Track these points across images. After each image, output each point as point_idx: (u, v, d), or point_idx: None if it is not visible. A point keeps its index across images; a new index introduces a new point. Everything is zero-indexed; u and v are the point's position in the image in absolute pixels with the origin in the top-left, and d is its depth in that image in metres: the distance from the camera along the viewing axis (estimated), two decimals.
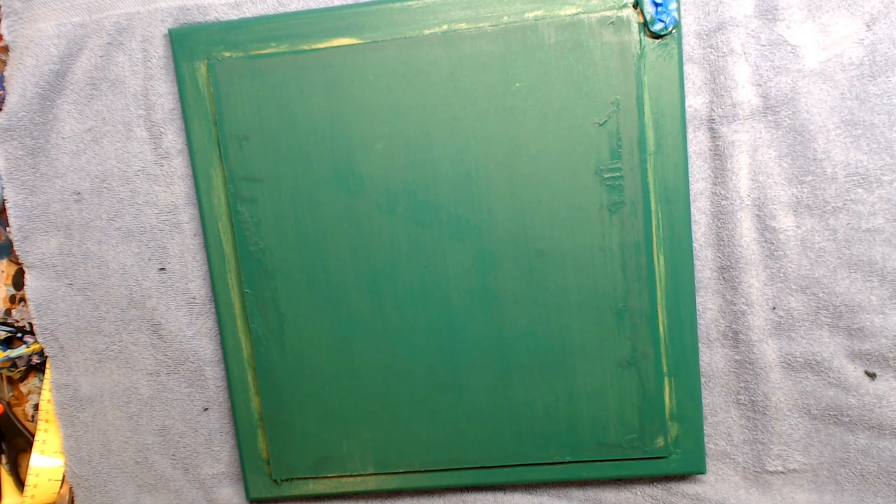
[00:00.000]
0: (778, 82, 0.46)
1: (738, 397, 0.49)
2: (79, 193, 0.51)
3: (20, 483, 0.55)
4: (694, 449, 0.48)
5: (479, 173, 0.47)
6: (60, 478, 0.55)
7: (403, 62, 0.46)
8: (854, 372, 0.47)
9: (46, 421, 0.54)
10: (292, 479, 0.51)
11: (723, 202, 0.47)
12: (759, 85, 0.46)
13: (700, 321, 0.48)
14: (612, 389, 0.48)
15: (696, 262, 0.48)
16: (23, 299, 0.54)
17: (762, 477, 0.49)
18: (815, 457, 0.49)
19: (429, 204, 0.47)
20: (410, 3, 0.46)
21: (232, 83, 0.47)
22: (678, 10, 0.44)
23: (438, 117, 0.46)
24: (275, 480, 0.51)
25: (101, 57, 0.50)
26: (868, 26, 0.45)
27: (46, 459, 0.54)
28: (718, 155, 0.47)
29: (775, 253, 0.47)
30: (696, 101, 0.47)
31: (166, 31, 0.49)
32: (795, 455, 0.49)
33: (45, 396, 0.54)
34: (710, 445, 0.50)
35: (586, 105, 0.45)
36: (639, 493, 0.51)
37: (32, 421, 0.56)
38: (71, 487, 0.55)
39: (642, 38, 0.45)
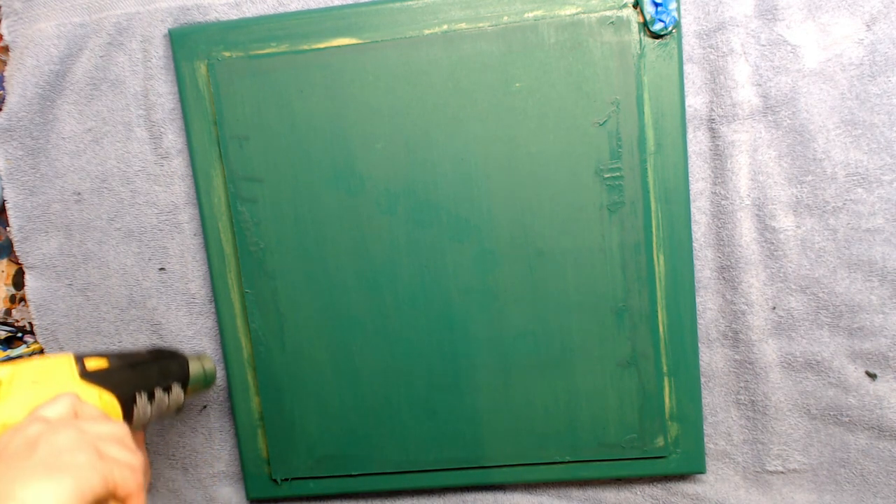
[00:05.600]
0: (778, 82, 0.46)
1: (738, 397, 0.49)
2: (79, 193, 0.51)
3: None
4: (694, 449, 0.48)
5: (479, 173, 0.47)
6: None
7: (403, 62, 0.46)
8: (854, 372, 0.47)
9: None
10: (292, 479, 0.51)
11: (723, 202, 0.47)
12: (759, 85, 0.46)
13: (700, 321, 0.48)
14: (612, 389, 0.48)
15: (696, 262, 0.48)
16: (23, 299, 0.54)
17: (762, 477, 0.49)
18: (815, 457, 0.49)
19: (429, 204, 0.47)
20: (410, 3, 0.46)
21: (232, 83, 0.47)
22: (678, 10, 0.44)
23: (438, 117, 0.46)
24: (275, 480, 0.51)
25: (101, 57, 0.50)
26: (868, 26, 0.45)
27: None
28: (718, 155, 0.47)
29: (775, 253, 0.47)
30: (696, 101, 0.47)
31: (166, 31, 0.49)
32: (795, 455, 0.49)
33: None
34: (710, 445, 0.50)
35: (586, 105, 0.45)
36: (639, 492, 0.51)
37: None
38: None
39: (642, 38, 0.45)
